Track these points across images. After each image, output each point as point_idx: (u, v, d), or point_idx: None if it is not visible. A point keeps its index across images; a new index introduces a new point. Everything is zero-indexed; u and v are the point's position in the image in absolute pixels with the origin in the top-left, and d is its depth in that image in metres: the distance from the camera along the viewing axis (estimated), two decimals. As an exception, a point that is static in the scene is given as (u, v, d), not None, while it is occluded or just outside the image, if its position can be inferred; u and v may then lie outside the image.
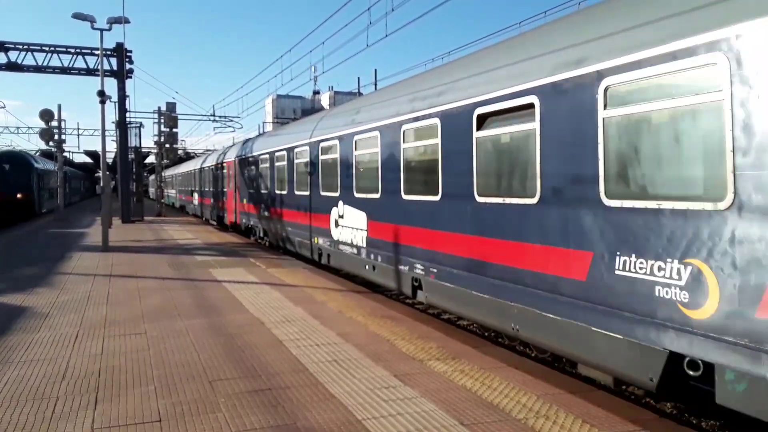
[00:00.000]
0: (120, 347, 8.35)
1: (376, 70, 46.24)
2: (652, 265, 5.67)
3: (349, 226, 13.19)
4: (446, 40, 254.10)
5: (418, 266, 10.15)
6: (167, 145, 41.74)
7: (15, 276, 14.88)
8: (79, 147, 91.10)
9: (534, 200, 7.27)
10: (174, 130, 40.91)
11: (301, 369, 7.26)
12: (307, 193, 16.40)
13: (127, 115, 34.94)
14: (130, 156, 36.70)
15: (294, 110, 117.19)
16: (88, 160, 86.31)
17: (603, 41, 6.29)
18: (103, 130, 23.34)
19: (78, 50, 32.72)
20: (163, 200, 45.41)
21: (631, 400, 6.42)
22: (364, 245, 12.48)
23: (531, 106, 7.25)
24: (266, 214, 21.22)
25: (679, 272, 5.41)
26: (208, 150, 66.29)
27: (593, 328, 6.37)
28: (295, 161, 17.45)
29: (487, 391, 6.45)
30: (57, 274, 15.30)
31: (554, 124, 6.93)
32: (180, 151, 62.39)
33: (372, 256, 12.12)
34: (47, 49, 32.37)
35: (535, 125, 7.18)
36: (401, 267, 10.78)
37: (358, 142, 12.76)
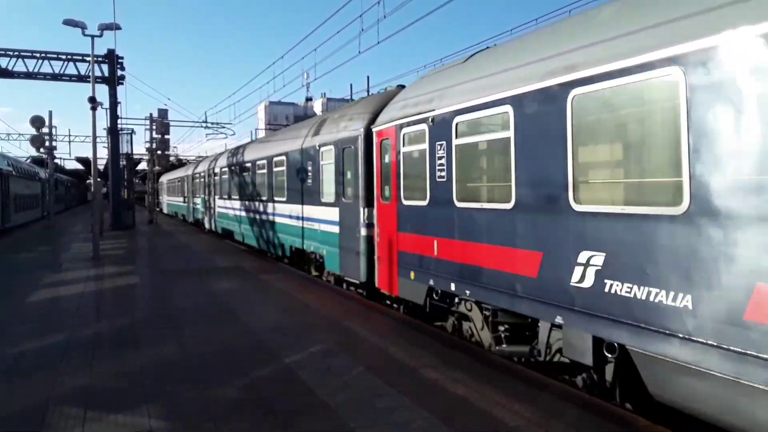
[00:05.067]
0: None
1: (368, 77, 46.57)
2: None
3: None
4: (438, 47, 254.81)
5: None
6: (159, 152, 41.42)
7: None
8: (70, 154, 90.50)
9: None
10: (166, 136, 40.44)
11: (293, 377, 7.23)
12: None
13: (119, 121, 34.55)
14: (121, 163, 36.13)
15: (287, 117, 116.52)
16: (79, 166, 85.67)
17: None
18: (94, 136, 23.04)
19: (69, 57, 32.40)
20: (157, 208, 45.17)
21: (626, 409, 6.47)
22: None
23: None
24: None
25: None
26: (199, 156, 66.06)
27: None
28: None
29: (479, 399, 6.43)
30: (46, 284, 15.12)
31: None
32: (172, 158, 62.11)
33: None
34: (38, 55, 32.02)
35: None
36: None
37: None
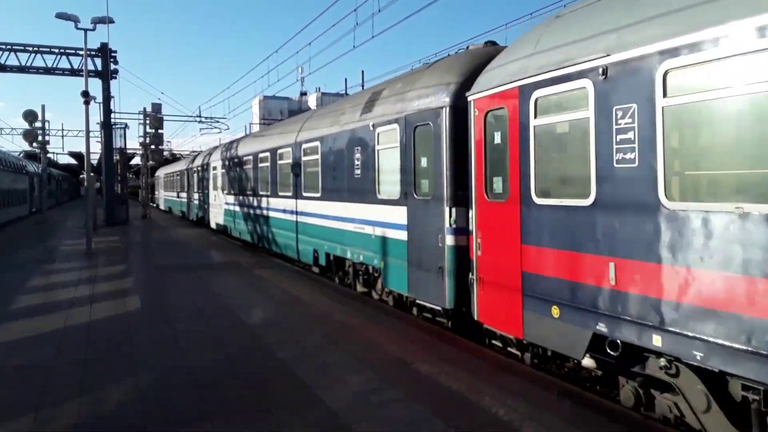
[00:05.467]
0: None
1: (363, 71, 44.77)
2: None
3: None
4: (433, 41, 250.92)
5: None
6: (153, 146, 40.40)
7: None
8: (63, 148, 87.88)
9: None
10: (159, 131, 39.37)
11: (288, 372, 7.10)
12: None
13: (112, 116, 33.55)
14: (115, 157, 34.96)
15: (281, 111, 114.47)
16: (72, 161, 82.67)
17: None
18: (87, 131, 22.59)
19: (62, 50, 31.58)
20: (152, 203, 42.85)
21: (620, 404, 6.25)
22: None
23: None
24: None
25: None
26: (193, 151, 63.79)
27: None
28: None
29: (473, 393, 6.33)
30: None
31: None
32: (166, 153, 60.02)
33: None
34: (31, 49, 31.25)
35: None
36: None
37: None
